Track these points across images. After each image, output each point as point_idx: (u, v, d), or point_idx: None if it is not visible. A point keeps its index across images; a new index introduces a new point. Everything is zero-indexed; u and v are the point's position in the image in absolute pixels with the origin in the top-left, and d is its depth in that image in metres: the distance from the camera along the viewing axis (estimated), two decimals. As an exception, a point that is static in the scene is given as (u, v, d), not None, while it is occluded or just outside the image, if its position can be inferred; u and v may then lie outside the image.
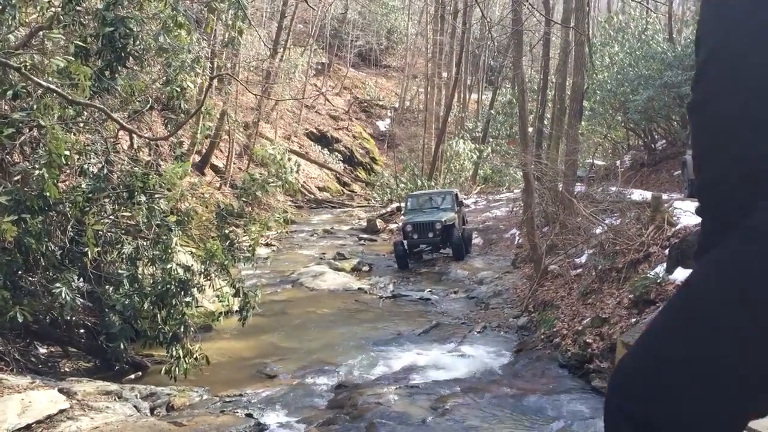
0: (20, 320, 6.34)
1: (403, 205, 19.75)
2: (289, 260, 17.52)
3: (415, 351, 9.28)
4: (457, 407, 6.92)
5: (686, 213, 9.65)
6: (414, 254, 16.50)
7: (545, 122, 21.14)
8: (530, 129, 16.81)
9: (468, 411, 6.82)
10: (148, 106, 8.82)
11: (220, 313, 9.18)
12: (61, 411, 6.09)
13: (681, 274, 7.54)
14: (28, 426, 5.73)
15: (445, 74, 36.28)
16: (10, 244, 6.44)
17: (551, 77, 22.63)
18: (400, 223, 16.94)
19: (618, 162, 24.10)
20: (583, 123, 20.29)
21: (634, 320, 7.47)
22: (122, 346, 7.49)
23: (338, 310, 12.19)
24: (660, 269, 8.02)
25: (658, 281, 7.75)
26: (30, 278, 6.91)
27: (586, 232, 11.25)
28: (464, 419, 6.59)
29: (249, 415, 6.77)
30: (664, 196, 11.17)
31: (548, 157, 15.52)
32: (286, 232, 21.04)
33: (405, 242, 15.94)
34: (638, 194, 12.44)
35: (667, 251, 8.26)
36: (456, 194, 18.19)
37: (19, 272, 6.74)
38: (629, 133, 26.42)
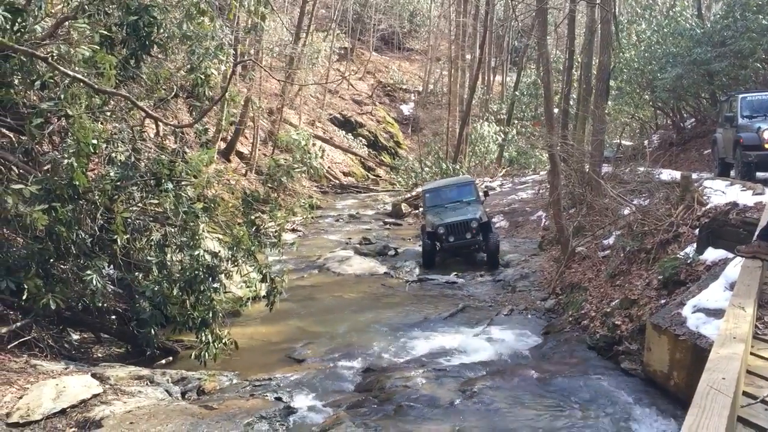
0: (53, 307, 6.47)
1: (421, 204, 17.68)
2: (314, 245, 17.60)
3: (442, 334, 9.28)
4: (485, 390, 6.92)
5: (717, 192, 9.49)
6: (445, 252, 14.79)
7: (571, 102, 20.87)
8: (556, 110, 16.64)
9: (496, 394, 6.81)
10: (173, 93, 8.87)
11: (248, 298, 9.26)
12: (95, 395, 6.21)
13: (712, 254, 7.43)
14: (63, 410, 5.86)
15: (468, 56, 35.98)
16: (42, 232, 6.55)
17: (577, 56, 22.34)
18: (427, 226, 14.76)
19: (646, 142, 23.77)
20: (609, 103, 20.00)
21: (663, 301, 7.39)
22: (153, 332, 7.61)
23: (365, 294, 12.22)
24: (690, 249, 7.91)
25: (688, 262, 7.65)
26: (61, 266, 7.02)
27: (613, 213, 11.14)
28: (492, 402, 6.59)
29: (278, 399, 6.84)
30: (694, 176, 11.00)
31: (574, 138, 15.34)
32: (312, 218, 21.07)
33: (436, 243, 14.47)
34: (667, 174, 12.27)
35: (697, 231, 8.14)
36: (476, 183, 16.58)
37: (51, 260, 6.85)
38: (657, 112, 25.99)
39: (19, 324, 7.04)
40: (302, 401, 6.93)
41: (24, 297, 6.50)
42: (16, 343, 6.91)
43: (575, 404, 6.46)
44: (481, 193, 16.14)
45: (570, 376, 7.18)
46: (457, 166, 26.39)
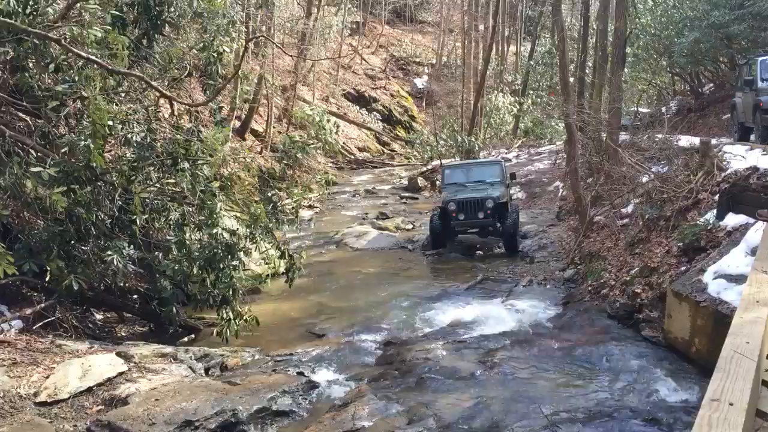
0: (76, 288, 6.56)
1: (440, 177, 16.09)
2: (332, 221, 17.63)
3: (462, 306, 9.29)
4: (506, 360, 6.93)
5: (736, 157, 9.36)
6: (455, 233, 13.67)
7: (587, 71, 20.61)
8: (571, 78, 16.41)
9: (517, 364, 6.83)
10: (187, 72, 8.86)
11: (267, 275, 9.32)
12: (120, 374, 6.31)
13: (732, 219, 7.35)
14: (89, 389, 5.96)
15: (482, 27, 35.56)
16: (62, 214, 6.61)
17: (592, 23, 22.00)
18: (440, 202, 13.74)
19: (663, 108, 23.45)
20: (626, 70, 19.74)
21: (684, 268, 7.34)
22: (174, 310, 7.70)
23: (383, 268, 12.25)
24: (710, 215, 7.83)
25: (708, 228, 7.57)
26: (82, 247, 7.09)
27: (632, 182, 11.03)
28: (513, 372, 6.61)
29: (300, 374, 6.89)
30: (713, 141, 10.83)
31: (591, 107, 15.15)
32: (328, 194, 21.16)
33: (445, 222, 13.22)
34: (686, 140, 12.11)
35: (717, 197, 8.05)
36: (504, 165, 15.04)
37: (72, 242, 6.92)
38: (675, 78, 25.63)
39: (43, 305, 7.14)
40: (324, 375, 6.98)
41: (47, 278, 6.60)
42: (41, 323, 7.02)
43: (596, 373, 6.47)
44: (508, 175, 14.82)
45: (590, 345, 7.17)
46: (473, 139, 26.19)
